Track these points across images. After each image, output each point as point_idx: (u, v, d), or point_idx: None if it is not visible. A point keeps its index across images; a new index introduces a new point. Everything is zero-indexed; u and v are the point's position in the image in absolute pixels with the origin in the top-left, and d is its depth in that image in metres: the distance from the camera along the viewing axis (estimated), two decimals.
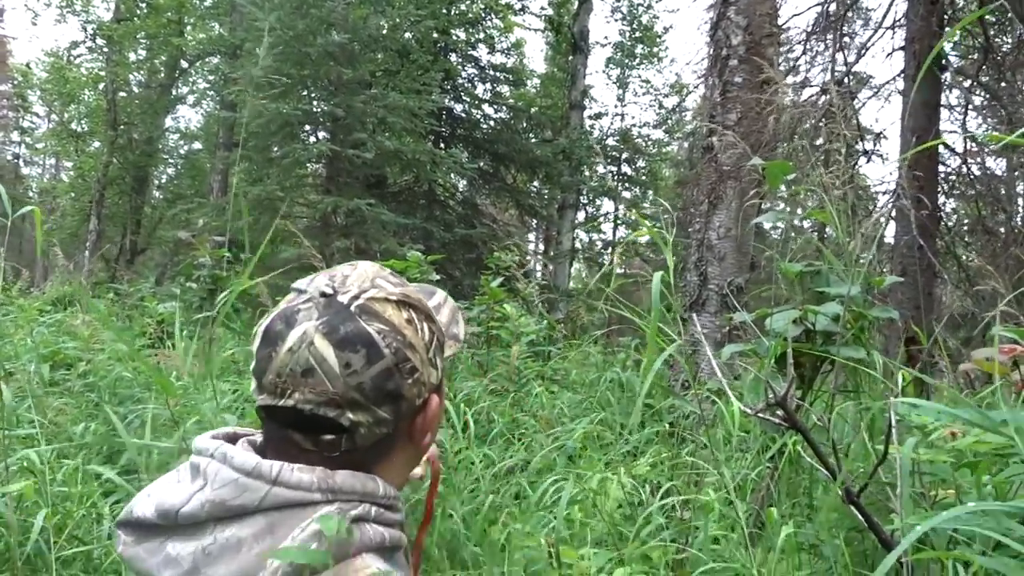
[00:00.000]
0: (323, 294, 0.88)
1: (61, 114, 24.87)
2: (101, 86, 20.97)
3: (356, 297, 0.88)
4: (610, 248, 19.53)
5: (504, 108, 16.38)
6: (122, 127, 20.36)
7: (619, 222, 19.09)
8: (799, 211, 2.64)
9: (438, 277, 5.99)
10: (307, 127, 10.36)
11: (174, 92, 21.60)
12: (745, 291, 5.14)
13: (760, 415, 1.17)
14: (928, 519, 0.65)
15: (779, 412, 1.13)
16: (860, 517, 1.12)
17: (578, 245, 17.09)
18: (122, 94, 21.31)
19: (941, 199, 6.37)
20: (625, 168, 19.44)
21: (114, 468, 1.93)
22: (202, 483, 0.83)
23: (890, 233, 5.97)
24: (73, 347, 3.50)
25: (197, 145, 24.10)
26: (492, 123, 15.86)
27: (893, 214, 5.66)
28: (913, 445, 1.03)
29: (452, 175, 14.85)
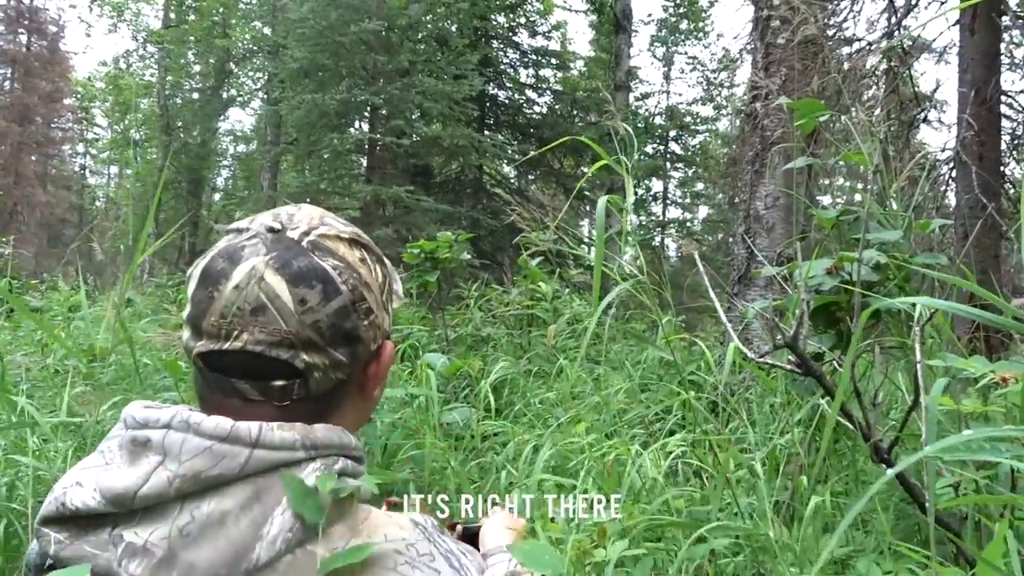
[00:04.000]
0: (270, 229, 0.79)
1: (119, 123, 25.62)
2: (155, 92, 21.53)
3: (307, 233, 0.80)
4: (661, 228, 19.18)
5: (548, 92, 16.19)
6: (176, 131, 20.86)
7: (669, 202, 18.70)
8: (838, 162, 2.43)
9: (478, 262, 5.88)
10: (345, 118, 10.38)
11: (224, 95, 22.02)
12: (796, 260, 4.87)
13: (763, 360, 1.01)
14: (937, 446, 0.50)
15: (791, 357, 0.98)
16: (894, 477, 0.95)
17: (628, 227, 16.80)
18: (178, 100, 21.83)
19: (1006, 158, 5.95)
20: (673, 146, 19.03)
21: None
22: (160, 457, 0.72)
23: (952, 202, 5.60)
24: (102, 339, 3.50)
25: (252, 146, 24.57)
26: (536, 108, 15.70)
27: (953, 175, 5.31)
28: (942, 388, 0.85)
29: (499, 162, 14.75)
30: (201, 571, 0.70)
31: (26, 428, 1.80)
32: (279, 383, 0.78)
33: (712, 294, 0.95)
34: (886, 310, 1.75)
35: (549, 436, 1.96)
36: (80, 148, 35.32)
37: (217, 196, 25.11)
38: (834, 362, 1.57)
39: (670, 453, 2.17)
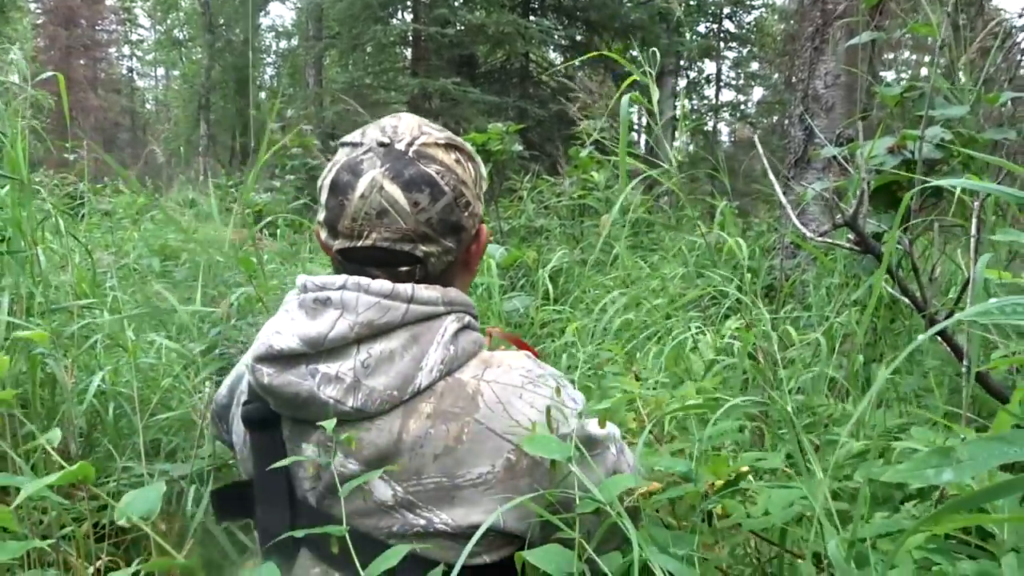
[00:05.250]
0: (380, 144, 0.98)
1: (162, 22, 25.46)
2: None
3: (411, 144, 0.98)
4: (714, 112, 18.60)
5: None
6: (219, 29, 20.67)
7: (722, 83, 18.03)
8: (906, 36, 2.33)
9: (527, 153, 5.84)
10: (387, 9, 10.15)
11: None
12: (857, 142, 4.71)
13: (822, 239, 1.04)
14: (972, 311, 0.54)
15: (850, 236, 1.00)
16: (945, 345, 0.99)
17: (678, 112, 16.30)
18: None
19: None
20: (727, 24, 18.15)
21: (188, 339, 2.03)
22: (339, 311, 0.94)
23: None
24: (173, 238, 3.65)
25: (294, 42, 24.23)
26: None
27: None
28: (986, 262, 0.88)
29: (545, 49, 14.31)
30: (379, 392, 0.92)
31: (162, 317, 1.96)
32: (404, 269, 0.99)
33: (771, 175, 0.98)
34: (949, 188, 1.74)
35: (612, 315, 2.03)
36: (126, 50, 35.29)
37: (263, 94, 25.07)
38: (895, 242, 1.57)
39: (724, 336, 2.23)
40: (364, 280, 0.95)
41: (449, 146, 1.02)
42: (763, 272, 3.69)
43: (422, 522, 0.93)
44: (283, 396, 0.94)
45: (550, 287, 2.56)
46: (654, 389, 1.36)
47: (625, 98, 1.23)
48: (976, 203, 0.94)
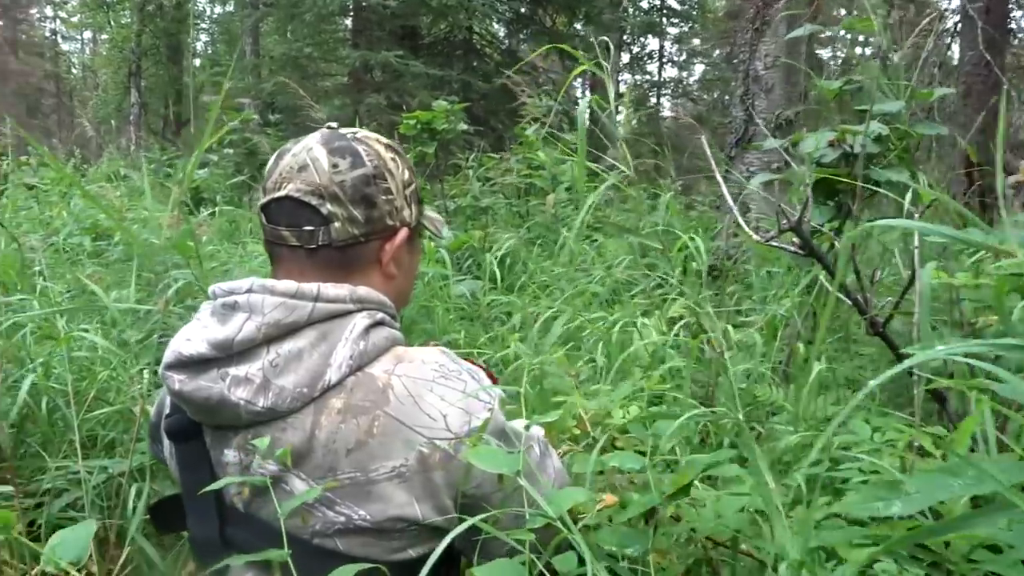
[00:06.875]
0: (328, 127, 1.07)
1: None
2: None
3: (355, 133, 1.06)
4: (657, 89, 18.72)
5: None
6: None
7: (665, 60, 18.14)
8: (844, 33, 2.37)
9: (472, 129, 5.77)
10: None
11: None
12: (796, 124, 4.80)
13: (772, 243, 1.06)
14: (927, 349, 0.56)
15: (795, 239, 1.02)
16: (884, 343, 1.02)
17: (623, 88, 16.34)
18: None
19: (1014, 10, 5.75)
20: (671, 1, 18.22)
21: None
22: (247, 313, 0.94)
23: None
24: (105, 218, 3.51)
25: (229, 7, 23.36)
26: None
27: (958, 28, 5.16)
28: (933, 267, 0.91)
29: (488, 21, 14.14)
30: (288, 391, 0.93)
31: (94, 310, 1.89)
32: (308, 228, 1.00)
33: (716, 171, 0.99)
34: (885, 181, 1.79)
35: (557, 307, 2.04)
36: (48, 11, 33.59)
37: (198, 62, 24.18)
38: (832, 234, 1.62)
39: (672, 319, 2.26)
40: (269, 281, 0.97)
41: (390, 147, 1.07)
42: (707, 253, 3.75)
43: (342, 519, 0.94)
44: (195, 402, 0.94)
45: (497, 272, 2.55)
46: (595, 388, 1.37)
47: (584, 101, 1.22)
48: (917, 212, 0.97)
